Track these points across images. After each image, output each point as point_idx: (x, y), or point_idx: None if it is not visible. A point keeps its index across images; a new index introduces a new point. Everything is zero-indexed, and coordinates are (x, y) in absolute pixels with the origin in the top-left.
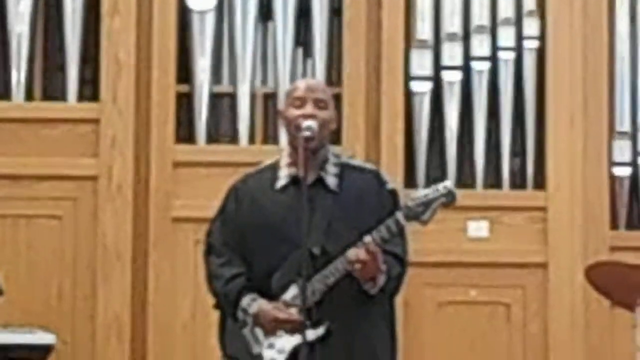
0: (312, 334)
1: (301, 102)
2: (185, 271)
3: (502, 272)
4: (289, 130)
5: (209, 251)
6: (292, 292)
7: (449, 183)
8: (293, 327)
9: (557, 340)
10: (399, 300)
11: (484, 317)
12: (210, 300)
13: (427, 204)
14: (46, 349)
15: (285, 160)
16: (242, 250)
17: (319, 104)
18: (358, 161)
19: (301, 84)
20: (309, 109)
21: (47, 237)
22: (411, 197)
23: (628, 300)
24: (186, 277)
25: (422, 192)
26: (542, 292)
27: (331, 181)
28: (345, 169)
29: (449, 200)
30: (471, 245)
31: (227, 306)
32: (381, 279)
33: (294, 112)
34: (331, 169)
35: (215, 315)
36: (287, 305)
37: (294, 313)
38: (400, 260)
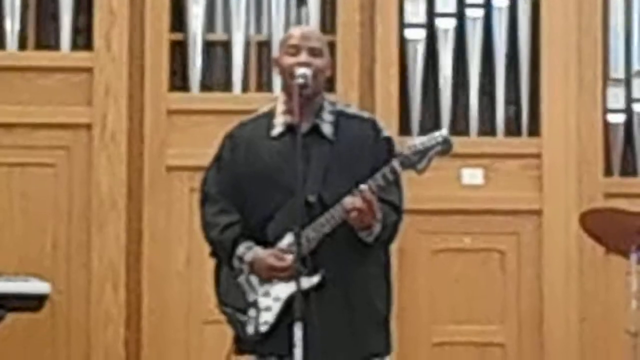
0: (307, 282)
1: (296, 50)
2: (180, 219)
3: (497, 219)
4: (284, 77)
5: (205, 200)
6: (287, 239)
7: (445, 131)
8: (289, 275)
9: (551, 287)
10: (394, 247)
11: (479, 264)
12: (205, 248)
13: (423, 152)
14: (41, 297)
15: (280, 107)
16: (237, 198)
17: (313, 51)
18: (354, 109)
19: (296, 31)
20: (303, 56)
21: (42, 186)
22: (407, 145)
23: (622, 247)
24: (181, 225)
25: (418, 140)
26: (536, 239)
27: (327, 129)
28: (341, 117)
29: (445, 148)
30: (465, 192)
31: (223, 254)
32: (377, 227)
33: (289, 59)
34: (327, 116)
35: (210, 263)
36: (283, 252)
37: (289, 260)
38: (396, 208)
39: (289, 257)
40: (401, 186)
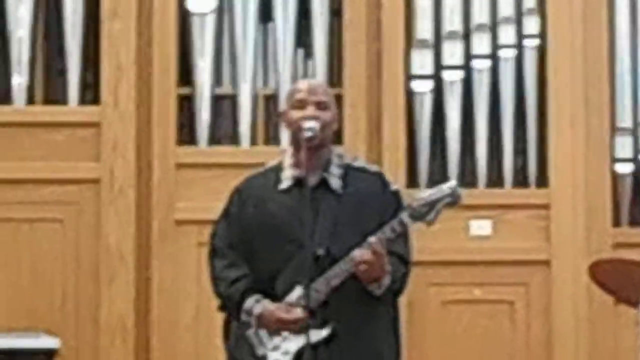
0: (316, 335)
1: (302, 104)
2: (189, 273)
3: (506, 270)
4: (291, 131)
5: (213, 253)
6: (296, 293)
7: (453, 183)
8: (297, 328)
9: (560, 338)
10: (402, 300)
11: (488, 315)
12: (214, 302)
13: (431, 204)
14: (50, 353)
15: (288, 160)
16: (246, 252)
17: (320, 105)
18: (361, 163)
19: (302, 85)
20: (310, 110)
21: (50, 241)
22: (416, 197)
23: (632, 298)
24: (189, 279)
25: (426, 193)
26: (545, 290)
27: (335, 183)
28: (348, 171)
29: (453, 200)
30: (474, 243)
31: (231, 308)
32: (386, 280)
33: (296, 114)
34: (335, 170)
35: (218, 317)
36: (291, 305)
37: (298, 313)
38: (404, 260)
39: (298, 310)
40: (409, 238)
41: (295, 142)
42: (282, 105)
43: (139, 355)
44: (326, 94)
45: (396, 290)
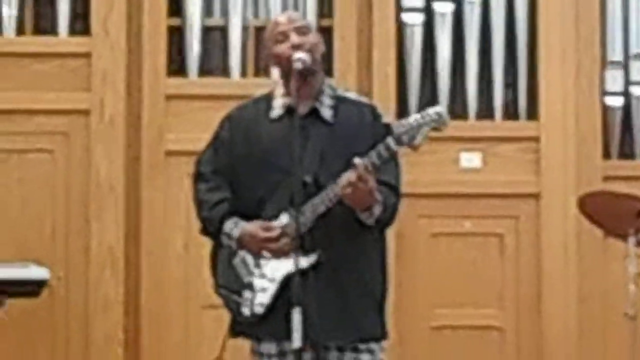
0: (304, 262)
1: (284, 35)
2: (178, 204)
3: (495, 203)
4: (282, 66)
5: (198, 177)
6: (282, 220)
7: (439, 107)
8: (278, 248)
9: (549, 270)
10: (392, 231)
11: (477, 247)
12: None
13: (417, 129)
14: (40, 283)
15: (280, 90)
16: (234, 178)
17: (301, 30)
18: (354, 94)
19: (280, 18)
20: (293, 38)
21: (40, 172)
22: (402, 122)
23: (620, 230)
24: (179, 210)
25: (412, 117)
26: (535, 223)
27: (326, 112)
28: (340, 102)
29: (439, 124)
30: (464, 176)
31: (212, 231)
32: (377, 209)
33: (281, 46)
34: (326, 100)
35: (208, 247)
36: (271, 227)
37: (277, 231)
38: (394, 189)
39: (276, 229)
40: (398, 166)
41: (285, 75)
42: (265, 44)
43: (128, 286)
44: (303, 19)
45: (387, 219)
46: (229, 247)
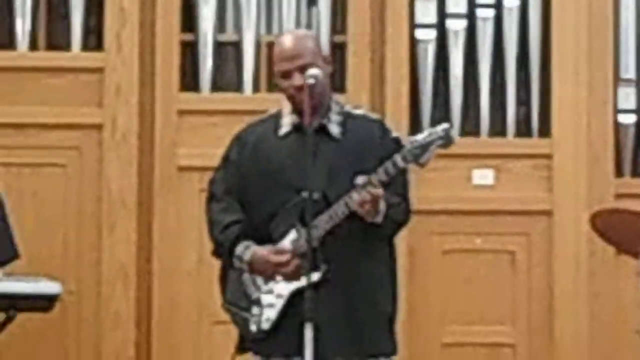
0: (313, 277)
1: (288, 74)
2: (190, 219)
3: (507, 220)
4: (287, 98)
5: (211, 198)
6: (291, 236)
7: (446, 125)
8: (289, 271)
9: (561, 288)
10: (404, 248)
11: (489, 264)
12: None
13: (425, 147)
14: (52, 297)
15: (287, 108)
16: (244, 197)
17: (304, 69)
18: (362, 110)
19: (284, 51)
20: (296, 79)
21: (52, 186)
22: (409, 139)
23: (632, 248)
24: (191, 225)
25: (420, 135)
26: (546, 240)
27: (334, 129)
28: (348, 118)
29: (446, 142)
30: (476, 193)
31: (224, 253)
32: (381, 205)
33: (285, 83)
34: (334, 117)
35: (219, 263)
36: (280, 248)
37: (288, 255)
38: (401, 195)
39: (287, 253)
40: (406, 176)
41: (292, 103)
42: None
43: (140, 301)
44: (306, 52)
45: (396, 217)
46: (240, 270)
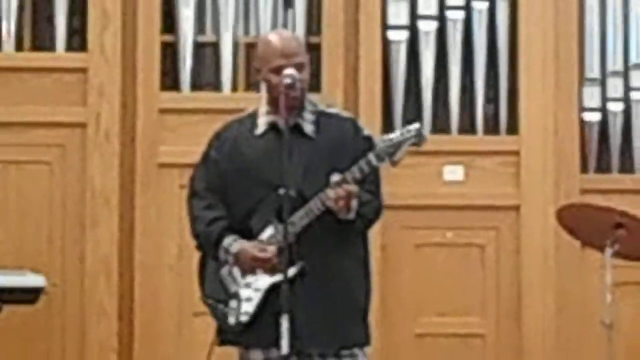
0: (290, 271)
1: (281, 70)
2: (171, 214)
3: (477, 215)
4: (271, 92)
5: (192, 195)
6: (268, 232)
7: (418, 125)
8: (271, 266)
9: (529, 280)
10: (378, 242)
11: (460, 257)
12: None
13: (397, 145)
14: (37, 290)
15: (264, 108)
16: (223, 194)
17: (298, 67)
18: (335, 109)
19: (279, 48)
20: (288, 77)
21: (37, 183)
22: (382, 138)
23: (597, 241)
24: (171, 220)
25: (392, 134)
26: (514, 234)
27: (308, 127)
28: (321, 116)
29: (418, 141)
30: (447, 188)
31: (209, 246)
32: (354, 203)
33: (275, 78)
34: (308, 116)
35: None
36: (265, 244)
37: (271, 252)
38: (373, 193)
39: (271, 249)
40: (377, 173)
41: (272, 100)
42: (258, 63)
43: (123, 294)
44: (301, 51)
45: (367, 214)
46: (225, 262)
